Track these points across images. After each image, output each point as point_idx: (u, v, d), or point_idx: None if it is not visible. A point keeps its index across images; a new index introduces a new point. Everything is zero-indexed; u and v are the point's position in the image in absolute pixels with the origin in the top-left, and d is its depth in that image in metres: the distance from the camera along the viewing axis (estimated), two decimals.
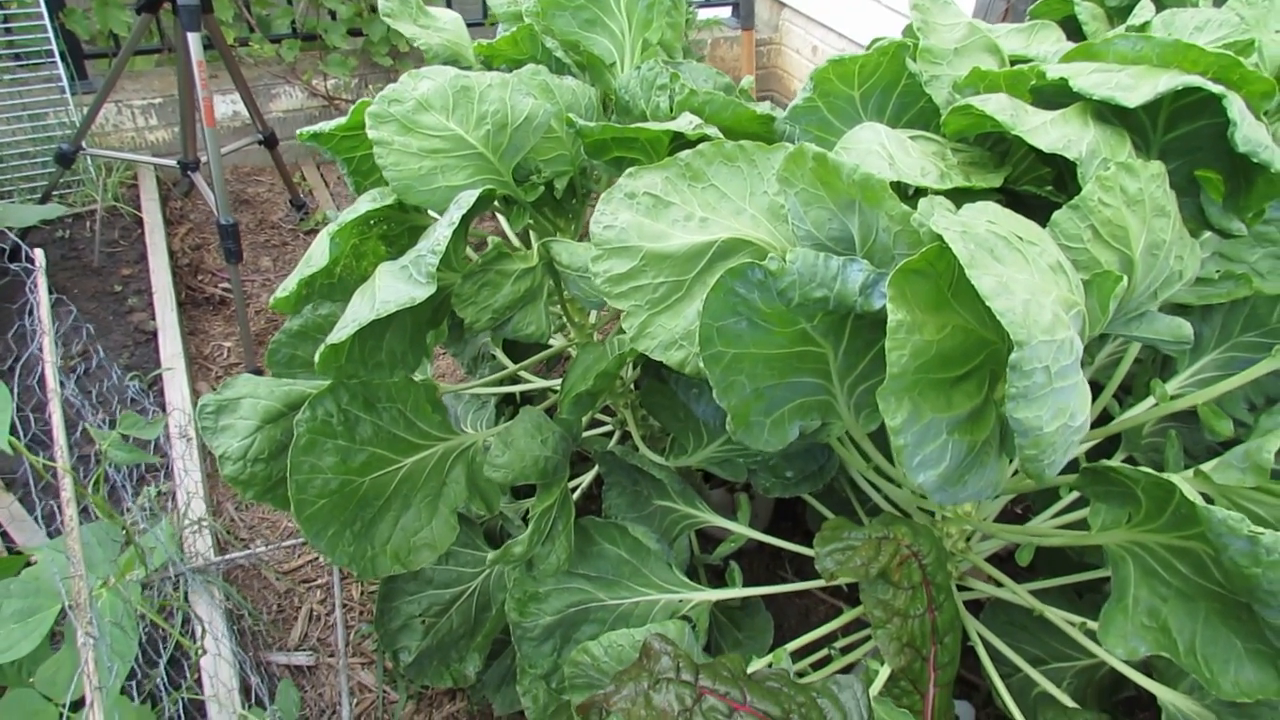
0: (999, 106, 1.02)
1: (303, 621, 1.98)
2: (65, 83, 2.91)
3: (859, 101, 1.29)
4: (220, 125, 3.39)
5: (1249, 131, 0.94)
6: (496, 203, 1.49)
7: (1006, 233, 0.86)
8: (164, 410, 2.25)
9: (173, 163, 2.76)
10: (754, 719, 1.07)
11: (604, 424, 1.99)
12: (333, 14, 3.52)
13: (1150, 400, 1.28)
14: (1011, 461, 1.35)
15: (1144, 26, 1.21)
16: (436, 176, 1.30)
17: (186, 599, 1.63)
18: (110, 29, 3.10)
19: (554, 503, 1.40)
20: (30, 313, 1.33)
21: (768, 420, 1.08)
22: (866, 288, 0.92)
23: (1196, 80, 0.95)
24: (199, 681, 1.56)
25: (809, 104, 1.30)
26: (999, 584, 1.43)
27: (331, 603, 2.01)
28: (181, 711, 1.28)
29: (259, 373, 2.45)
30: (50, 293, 1.41)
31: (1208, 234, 1.19)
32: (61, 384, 1.26)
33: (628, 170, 1.12)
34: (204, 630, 1.48)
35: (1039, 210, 1.01)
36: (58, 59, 2.85)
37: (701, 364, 1.01)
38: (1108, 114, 1.05)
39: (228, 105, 3.40)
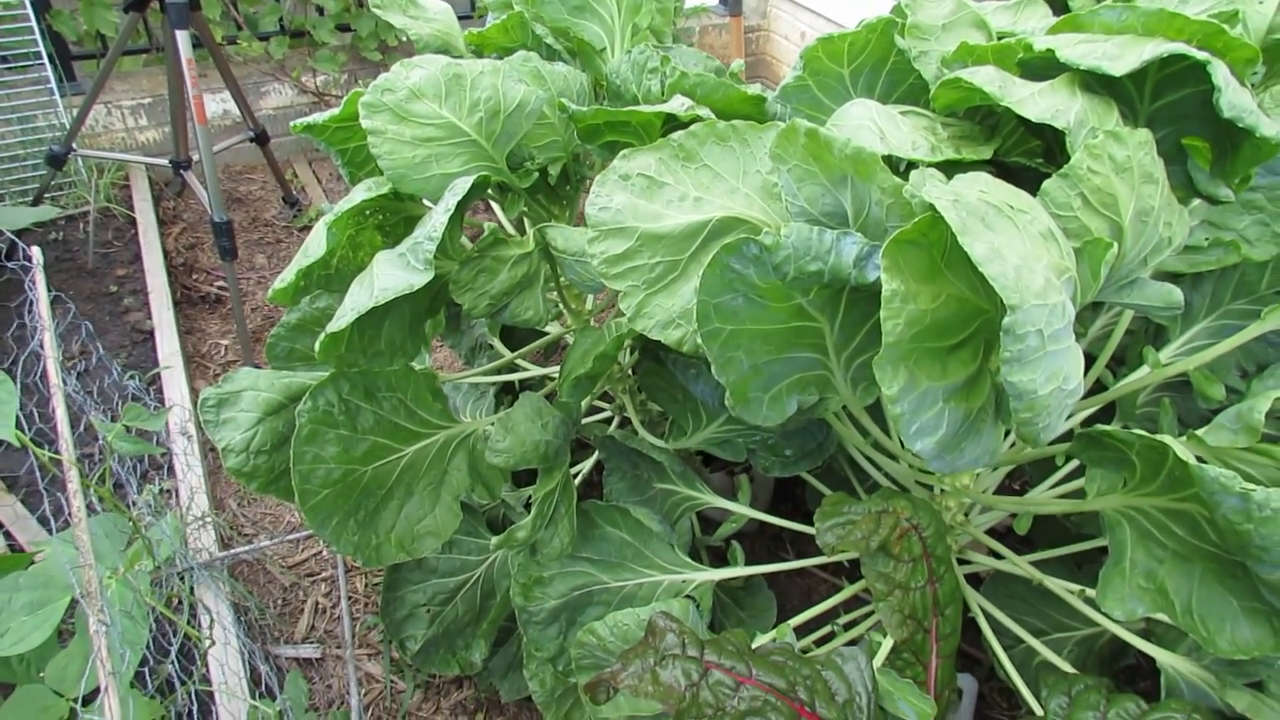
0: (987, 78, 1.03)
1: (309, 614, 1.99)
2: (54, 85, 2.91)
3: (849, 79, 1.30)
4: (211, 124, 3.38)
5: (1233, 97, 0.95)
6: (491, 190, 1.50)
7: (998, 201, 0.87)
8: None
9: (165, 162, 2.76)
10: (760, 692, 1.09)
11: (603, 410, 2.00)
12: (320, 9, 3.52)
13: (1144, 369, 1.30)
14: (1008, 434, 1.37)
15: None
16: (431, 164, 1.31)
17: (193, 592, 1.64)
18: (97, 29, 3.10)
19: (556, 487, 1.41)
20: (30, 308, 1.33)
21: (766, 395, 1.09)
22: (860, 260, 0.93)
23: (1181, 47, 0.96)
24: (207, 676, 1.57)
25: (799, 83, 1.31)
26: (999, 556, 1.45)
27: (337, 595, 2.02)
28: (194, 703, 1.29)
29: (258, 369, 2.46)
30: (49, 289, 1.42)
31: (1197, 202, 1.21)
32: (64, 380, 1.27)
33: (621, 152, 1.13)
34: (212, 620, 1.49)
35: (1029, 182, 1.02)
36: (45, 61, 2.85)
37: (699, 340, 1.02)
38: (1095, 84, 1.06)
39: (218, 104, 3.40)
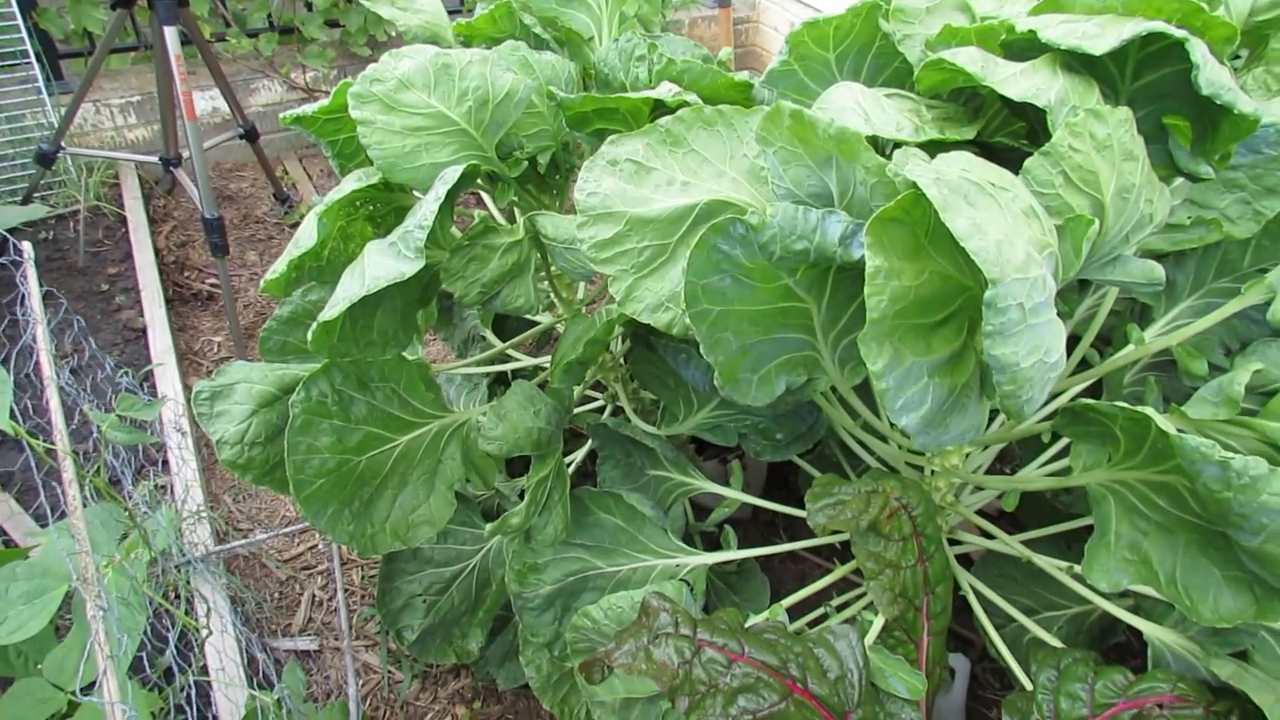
0: (970, 59, 1.04)
1: (305, 607, 2.00)
2: (41, 83, 2.90)
3: (834, 64, 1.31)
4: (200, 121, 3.38)
5: (1211, 74, 0.97)
6: (480, 180, 1.50)
7: (979, 179, 0.88)
8: None
9: (155, 159, 2.76)
10: (752, 669, 1.10)
11: (596, 400, 2.01)
12: (309, 5, 3.51)
13: (1129, 347, 1.31)
14: (996, 416, 1.38)
15: None
16: (420, 154, 1.31)
17: (189, 584, 1.65)
18: (85, 27, 3.09)
19: (549, 473, 1.42)
20: (21, 302, 1.33)
21: (755, 376, 1.10)
22: (845, 238, 0.94)
23: (1160, 26, 0.97)
24: (205, 667, 1.58)
25: (785, 68, 1.32)
26: (990, 537, 1.46)
27: (333, 588, 2.03)
28: (192, 692, 1.29)
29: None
30: (40, 285, 1.42)
31: (1179, 181, 1.22)
32: (57, 373, 1.28)
33: (609, 138, 1.13)
34: (209, 610, 1.50)
35: (1013, 162, 1.03)
36: (33, 59, 2.84)
37: (689, 322, 1.03)
38: (1076, 64, 1.08)
39: (207, 101, 3.39)
